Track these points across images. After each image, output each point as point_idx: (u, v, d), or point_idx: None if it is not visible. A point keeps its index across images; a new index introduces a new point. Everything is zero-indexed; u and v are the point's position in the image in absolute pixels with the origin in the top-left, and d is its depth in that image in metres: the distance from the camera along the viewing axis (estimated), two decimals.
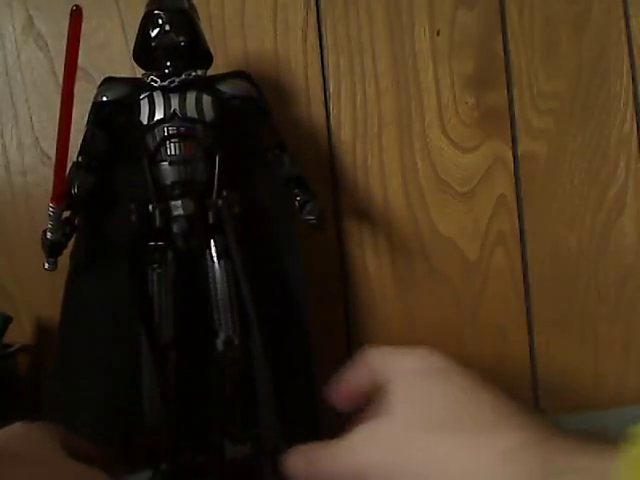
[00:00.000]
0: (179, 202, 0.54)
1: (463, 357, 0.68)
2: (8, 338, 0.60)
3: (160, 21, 0.54)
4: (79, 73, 0.50)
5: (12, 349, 0.59)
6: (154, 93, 0.55)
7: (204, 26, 0.57)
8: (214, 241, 0.55)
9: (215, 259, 0.54)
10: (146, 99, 0.54)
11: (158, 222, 0.54)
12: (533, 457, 0.32)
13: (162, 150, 0.54)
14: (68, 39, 0.48)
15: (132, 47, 0.56)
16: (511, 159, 0.70)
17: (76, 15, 0.48)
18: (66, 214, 0.53)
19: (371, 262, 0.68)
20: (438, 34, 0.69)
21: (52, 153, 0.51)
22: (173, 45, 0.54)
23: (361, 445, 0.37)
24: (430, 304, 0.69)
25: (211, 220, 0.54)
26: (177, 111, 0.54)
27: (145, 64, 0.57)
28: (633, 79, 0.71)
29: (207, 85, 0.56)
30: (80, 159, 0.54)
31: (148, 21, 0.55)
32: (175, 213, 0.54)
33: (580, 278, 0.71)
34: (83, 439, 0.43)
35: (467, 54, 0.69)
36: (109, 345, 0.55)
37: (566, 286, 0.71)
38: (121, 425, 0.55)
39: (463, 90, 0.69)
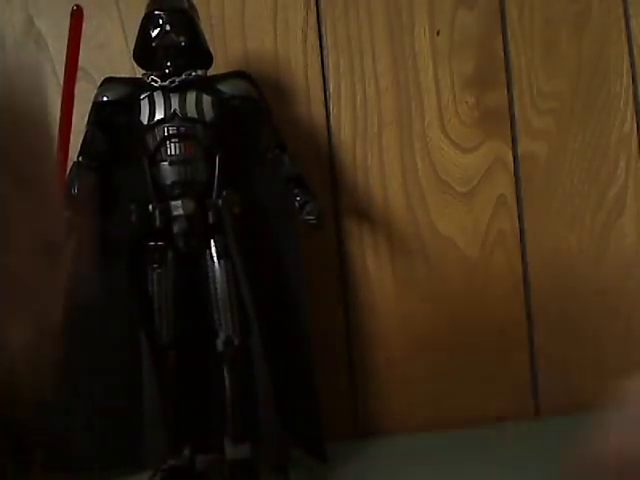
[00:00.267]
0: (179, 202, 0.54)
1: (463, 357, 0.69)
2: None
3: (160, 21, 0.54)
4: (79, 73, 0.50)
5: None
6: (154, 93, 0.55)
7: (204, 26, 0.57)
8: (214, 241, 0.55)
9: (215, 259, 0.54)
10: (146, 99, 0.55)
11: (158, 222, 0.54)
12: None
13: (162, 150, 0.54)
14: (68, 39, 0.48)
15: (132, 47, 0.56)
16: (511, 159, 0.70)
17: (76, 15, 0.48)
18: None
19: (371, 262, 0.68)
20: (438, 34, 0.69)
21: None
22: (173, 45, 0.55)
23: None
24: (430, 304, 0.69)
25: (211, 220, 0.54)
26: (177, 111, 0.54)
27: (145, 64, 0.57)
28: (633, 79, 0.71)
29: (207, 85, 0.56)
30: (80, 159, 0.54)
31: (148, 21, 0.55)
32: (175, 213, 0.54)
33: (580, 278, 0.71)
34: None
35: (467, 54, 0.69)
36: (109, 345, 0.55)
37: (566, 286, 0.70)
38: (121, 425, 0.55)
39: (463, 90, 0.69)
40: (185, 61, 0.55)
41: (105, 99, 0.55)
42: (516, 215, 0.70)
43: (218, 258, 0.54)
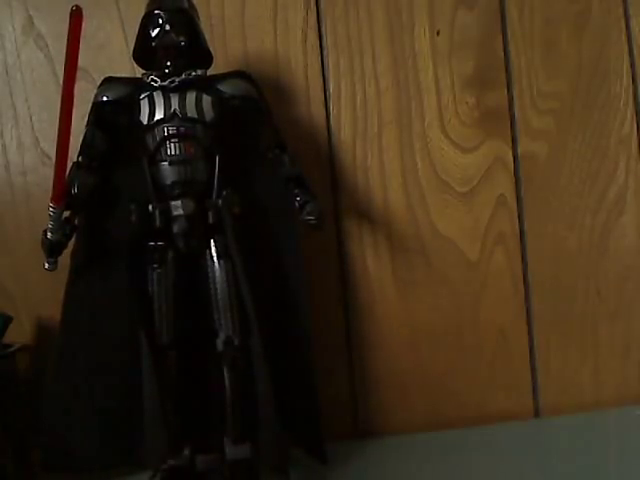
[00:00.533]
0: (179, 202, 0.54)
1: (463, 357, 0.69)
2: (8, 338, 0.60)
3: (160, 21, 0.54)
4: (79, 73, 0.50)
5: (12, 349, 0.59)
6: (154, 93, 0.55)
7: (204, 26, 0.57)
8: (214, 241, 0.55)
9: (215, 259, 0.54)
10: (146, 99, 0.55)
11: (158, 222, 0.54)
12: None
13: (162, 150, 0.54)
14: (68, 39, 0.48)
15: (132, 47, 0.56)
16: (511, 159, 0.70)
17: (76, 15, 0.48)
18: (66, 214, 0.53)
19: (371, 262, 0.68)
20: (438, 34, 0.69)
21: (52, 153, 0.51)
22: (173, 45, 0.55)
23: None
24: (430, 304, 0.69)
25: (211, 220, 0.54)
26: (177, 111, 0.54)
27: (145, 64, 0.57)
28: (633, 79, 0.71)
29: (207, 85, 0.56)
30: (80, 159, 0.54)
31: (148, 21, 0.55)
32: (175, 213, 0.54)
33: (580, 278, 0.71)
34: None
35: (467, 54, 0.69)
36: (109, 345, 0.55)
37: (566, 286, 0.71)
38: (121, 425, 0.55)
39: (463, 90, 0.69)
40: (185, 61, 0.55)
41: (105, 99, 0.55)
42: (516, 215, 0.70)
43: (218, 258, 0.54)
